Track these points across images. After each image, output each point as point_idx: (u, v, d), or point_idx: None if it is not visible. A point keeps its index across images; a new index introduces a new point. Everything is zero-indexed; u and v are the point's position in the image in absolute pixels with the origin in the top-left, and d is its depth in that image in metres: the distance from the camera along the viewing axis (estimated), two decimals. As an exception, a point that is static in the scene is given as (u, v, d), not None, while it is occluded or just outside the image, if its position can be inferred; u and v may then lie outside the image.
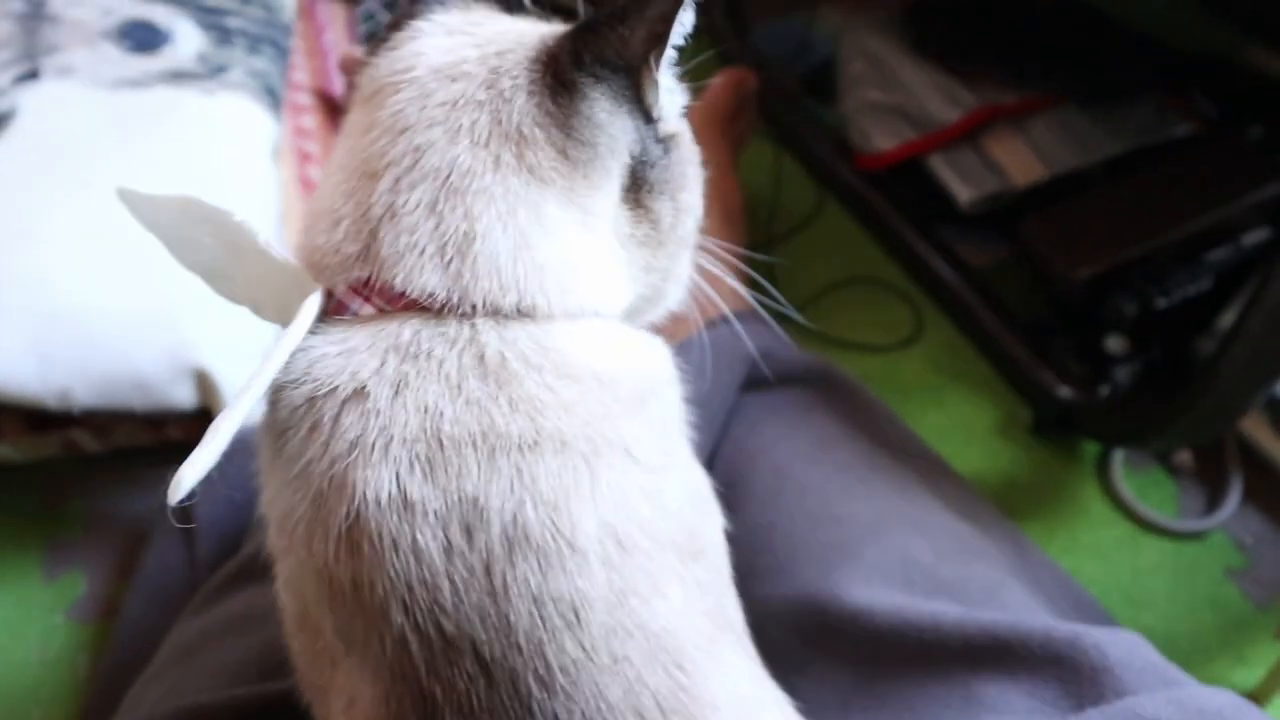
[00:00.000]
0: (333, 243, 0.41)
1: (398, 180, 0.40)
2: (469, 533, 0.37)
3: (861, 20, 1.29)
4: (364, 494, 0.37)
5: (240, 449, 0.79)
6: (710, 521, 0.45)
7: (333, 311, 0.41)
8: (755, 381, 0.83)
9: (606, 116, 0.43)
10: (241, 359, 0.82)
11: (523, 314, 0.41)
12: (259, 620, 0.64)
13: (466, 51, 0.44)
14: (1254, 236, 1.03)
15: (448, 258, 0.40)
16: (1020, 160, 1.15)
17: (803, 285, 1.13)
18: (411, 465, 0.38)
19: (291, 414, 0.40)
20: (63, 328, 0.78)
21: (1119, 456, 0.99)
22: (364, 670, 0.38)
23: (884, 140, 1.20)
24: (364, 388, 0.39)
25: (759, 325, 0.79)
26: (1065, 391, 0.99)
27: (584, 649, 0.37)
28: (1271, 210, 1.03)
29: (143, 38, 0.98)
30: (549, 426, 0.39)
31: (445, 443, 0.38)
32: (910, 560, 0.66)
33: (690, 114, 0.49)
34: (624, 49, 0.42)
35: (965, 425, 1.03)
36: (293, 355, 0.39)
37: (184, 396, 0.81)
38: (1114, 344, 1.01)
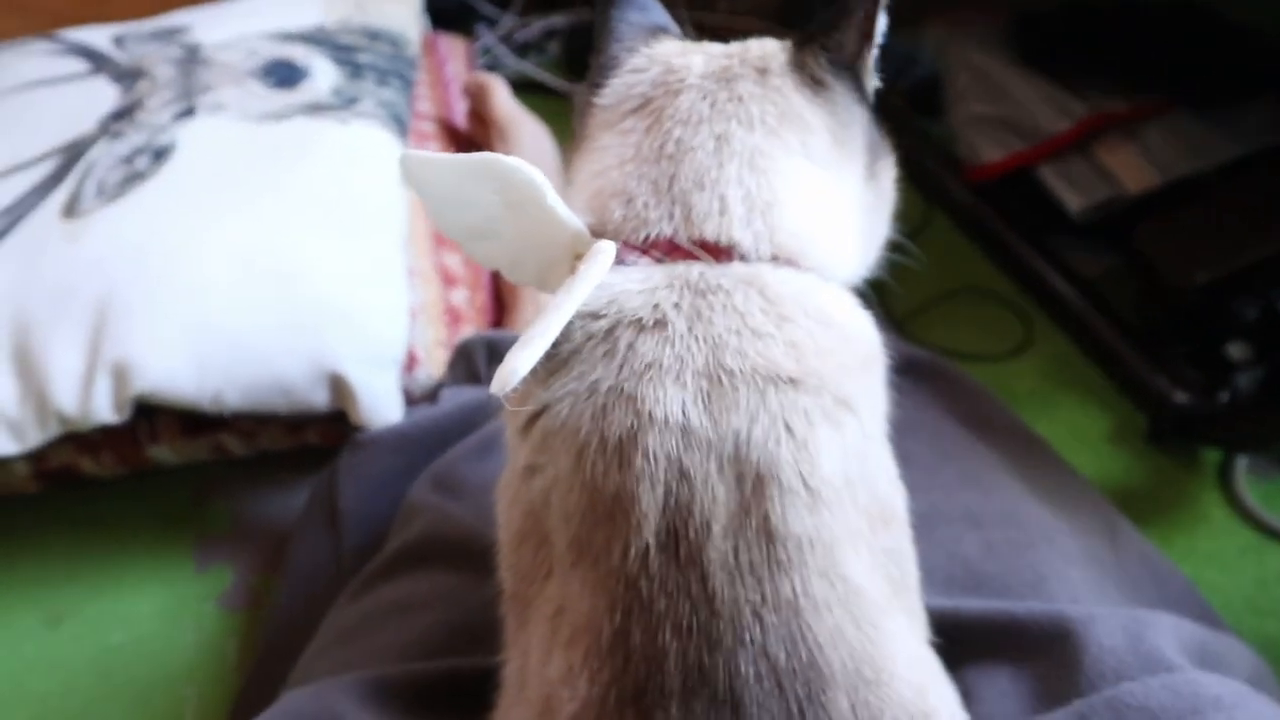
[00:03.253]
0: (634, 211, 0.47)
1: (702, 160, 0.47)
2: (727, 461, 0.41)
3: (966, 35, 1.29)
4: (650, 412, 0.41)
5: (384, 450, 0.85)
6: (898, 494, 0.48)
7: (614, 261, 0.46)
8: None
9: (855, 105, 0.51)
10: (370, 364, 0.88)
11: (799, 266, 0.47)
12: (416, 608, 0.68)
13: (724, 61, 0.51)
14: (1385, 236, 0.99)
15: (752, 218, 0.47)
16: (1132, 167, 1.14)
17: (911, 297, 1.14)
18: (696, 392, 0.42)
19: (585, 341, 0.44)
20: (217, 337, 0.86)
21: (1242, 463, 0.97)
22: (587, 582, 0.41)
23: (992, 152, 1.20)
24: (664, 319, 0.44)
25: None
26: (1182, 398, 0.97)
27: (797, 590, 0.40)
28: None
29: (284, 75, 1.07)
30: (811, 368, 0.43)
31: (723, 376, 0.42)
32: (956, 556, 0.66)
33: None
34: (842, 51, 0.51)
35: (1077, 433, 1.02)
36: (592, 293, 0.44)
37: (321, 399, 0.88)
38: (1236, 350, 0.98)
